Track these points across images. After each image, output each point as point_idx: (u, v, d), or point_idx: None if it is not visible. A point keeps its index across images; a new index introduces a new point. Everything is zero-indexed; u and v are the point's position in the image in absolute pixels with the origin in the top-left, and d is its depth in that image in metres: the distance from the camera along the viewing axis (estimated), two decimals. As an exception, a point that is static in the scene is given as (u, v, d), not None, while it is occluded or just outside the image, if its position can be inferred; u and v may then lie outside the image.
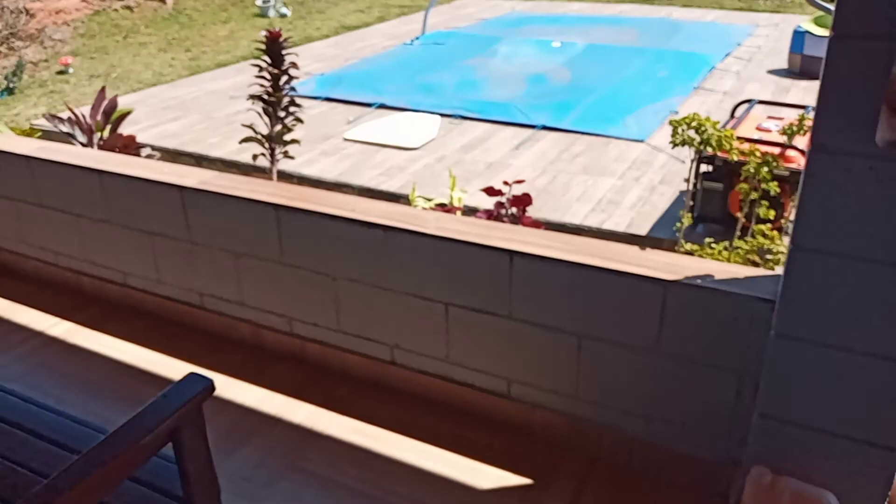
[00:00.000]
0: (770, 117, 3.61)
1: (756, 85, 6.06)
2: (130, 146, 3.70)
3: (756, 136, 3.35)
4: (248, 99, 3.50)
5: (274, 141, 3.40)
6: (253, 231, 1.67)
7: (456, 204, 2.83)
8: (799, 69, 6.30)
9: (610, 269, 1.29)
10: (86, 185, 1.91)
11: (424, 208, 2.51)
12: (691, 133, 2.33)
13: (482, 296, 1.44)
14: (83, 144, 3.69)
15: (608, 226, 3.59)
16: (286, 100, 3.38)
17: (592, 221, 3.63)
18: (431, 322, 1.51)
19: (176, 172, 1.85)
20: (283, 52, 3.33)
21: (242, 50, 8.05)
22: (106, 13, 8.63)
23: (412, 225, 1.49)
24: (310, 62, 7.18)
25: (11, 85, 6.95)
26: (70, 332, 1.89)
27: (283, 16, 9.64)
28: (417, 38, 7.83)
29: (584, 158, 4.51)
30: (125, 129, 4.50)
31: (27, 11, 8.38)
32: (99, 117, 3.68)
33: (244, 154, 4.03)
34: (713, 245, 2.51)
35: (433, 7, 8.11)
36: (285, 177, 4.35)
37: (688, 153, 4.43)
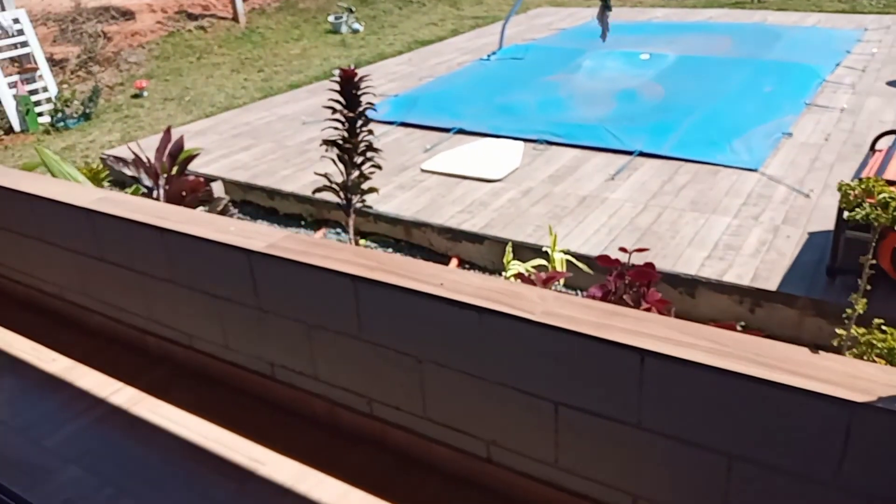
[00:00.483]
0: (925, 150, 3.06)
1: (877, 100, 5.42)
2: (198, 189, 3.45)
3: (913, 175, 2.82)
4: (321, 145, 3.19)
5: (350, 191, 3.07)
6: (327, 302, 1.39)
7: (559, 268, 2.42)
8: (926, 80, 5.61)
9: (772, 381, 0.92)
10: (147, 242, 1.71)
11: (524, 274, 2.12)
12: (866, 204, 1.87)
13: (603, 398, 1.09)
14: (148, 189, 3.46)
15: (729, 277, 3.11)
16: (364, 144, 3.04)
17: (711, 272, 3.16)
18: (537, 420, 1.17)
19: (243, 232, 1.57)
20: (359, 91, 2.98)
21: (315, 69, 7.85)
22: (180, 34, 8.60)
23: (513, 308, 1.14)
24: (383, 82, 6.91)
25: (88, 110, 6.92)
26: (133, 401, 1.64)
27: (355, 31, 9.43)
28: (494, 53, 7.45)
29: (690, 191, 4.02)
30: (195, 162, 4.29)
31: (104, 34, 8.43)
32: (165, 159, 3.44)
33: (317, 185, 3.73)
34: (885, 328, 2.02)
35: (511, 18, 7.71)
36: (362, 214, 4.04)
37: (813, 186, 3.89)
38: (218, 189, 4.75)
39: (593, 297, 2.10)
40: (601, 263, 2.15)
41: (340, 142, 3.04)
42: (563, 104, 5.78)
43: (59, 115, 6.84)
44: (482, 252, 3.76)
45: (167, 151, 3.47)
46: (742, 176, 4.18)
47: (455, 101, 5.90)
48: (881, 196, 1.76)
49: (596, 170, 4.44)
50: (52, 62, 8.13)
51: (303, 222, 4.41)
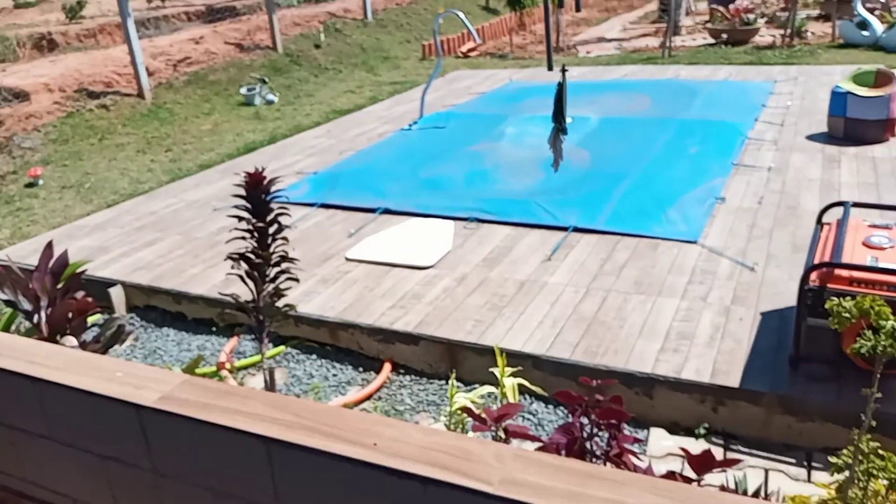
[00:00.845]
0: (873, 226, 2.93)
1: (800, 156, 5.44)
2: (87, 310, 2.99)
3: (868, 257, 2.67)
4: (225, 259, 2.80)
5: (263, 312, 2.69)
6: (237, 466, 1.08)
7: (511, 397, 2.10)
8: (843, 134, 5.69)
9: None
10: (17, 392, 1.36)
11: (472, 410, 1.79)
12: (868, 333, 1.64)
13: None
14: (27, 313, 2.99)
15: (688, 373, 2.86)
16: (277, 256, 2.68)
17: (667, 367, 2.91)
18: None
19: (132, 379, 1.23)
20: (269, 195, 2.63)
21: (227, 146, 7.46)
22: (80, 114, 8.06)
23: (464, 476, 0.85)
24: (301, 157, 6.58)
25: (-27, 205, 6.29)
26: None
27: (269, 103, 9.10)
28: (415, 122, 7.25)
29: (632, 269, 3.81)
30: (93, 264, 3.83)
31: (-4, 119, 7.81)
32: (46, 278, 2.98)
33: (232, 286, 3.31)
34: (882, 452, 1.77)
35: (430, 85, 7.56)
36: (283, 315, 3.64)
37: (756, 257, 3.74)
38: (117, 295, 4.27)
39: (558, 447, 1.79)
40: (561, 400, 1.84)
41: (250, 255, 2.66)
42: (491, 176, 5.57)
43: (-59, 210, 6.19)
44: (418, 354, 3.41)
45: (48, 269, 3.01)
46: (682, 249, 4.01)
47: (378, 177, 5.61)
48: (889, 324, 1.52)
49: (531, 249, 4.19)
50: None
51: (214, 328, 3.97)
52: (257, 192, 2.57)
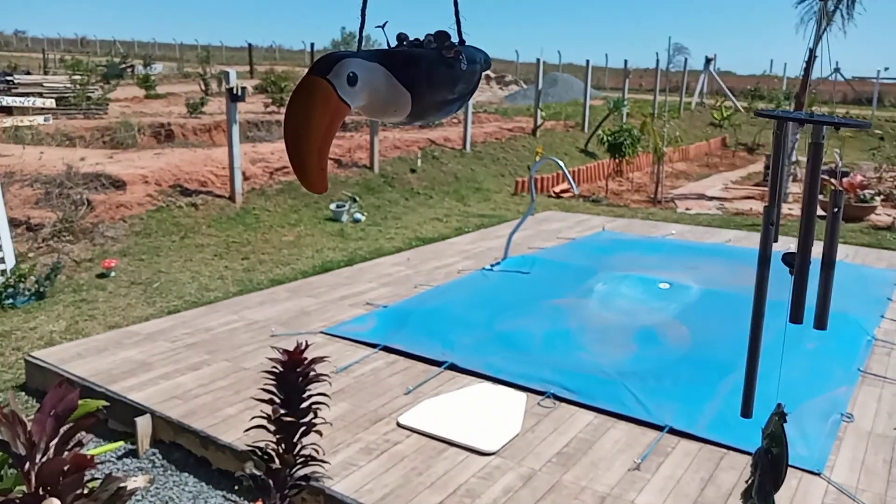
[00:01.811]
0: None
1: (943, 372, 4.63)
2: (85, 469, 2.54)
3: None
4: (236, 474, 2.31)
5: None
6: None
7: None
8: None
9: None
10: None
11: None
12: None
13: None
14: (18, 460, 2.56)
15: None
16: (301, 458, 2.17)
17: None
18: None
19: None
20: (307, 382, 2.15)
21: (304, 261, 7.23)
22: (168, 210, 8.10)
23: None
24: (375, 285, 6.22)
25: (42, 289, 6.19)
26: None
27: (356, 221, 8.97)
28: (498, 263, 6.84)
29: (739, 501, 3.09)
30: (130, 381, 3.43)
31: (89, 203, 7.93)
32: (48, 420, 2.57)
33: (263, 438, 2.81)
34: None
35: (519, 228, 7.19)
36: (313, 492, 3.10)
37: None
38: (144, 426, 3.84)
39: None
40: None
41: (266, 456, 2.16)
42: (574, 340, 5.00)
43: (10, 290, 6.10)
44: (462, 574, 2.77)
45: (52, 411, 2.60)
46: (803, 481, 3.27)
47: (450, 322, 5.14)
48: None
49: (617, 449, 3.54)
50: (28, 227, 7.56)
51: (237, 487, 3.45)
52: (293, 376, 2.10)
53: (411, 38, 1.59)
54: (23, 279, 6.18)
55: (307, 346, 2.20)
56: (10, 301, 6.04)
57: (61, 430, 2.60)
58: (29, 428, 2.56)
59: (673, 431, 3.68)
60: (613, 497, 3.13)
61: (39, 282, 6.23)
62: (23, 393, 4.49)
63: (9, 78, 15.86)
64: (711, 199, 13.12)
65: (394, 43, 1.63)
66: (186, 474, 3.64)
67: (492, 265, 6.82)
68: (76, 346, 4.78)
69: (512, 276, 6.49)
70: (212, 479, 3.59)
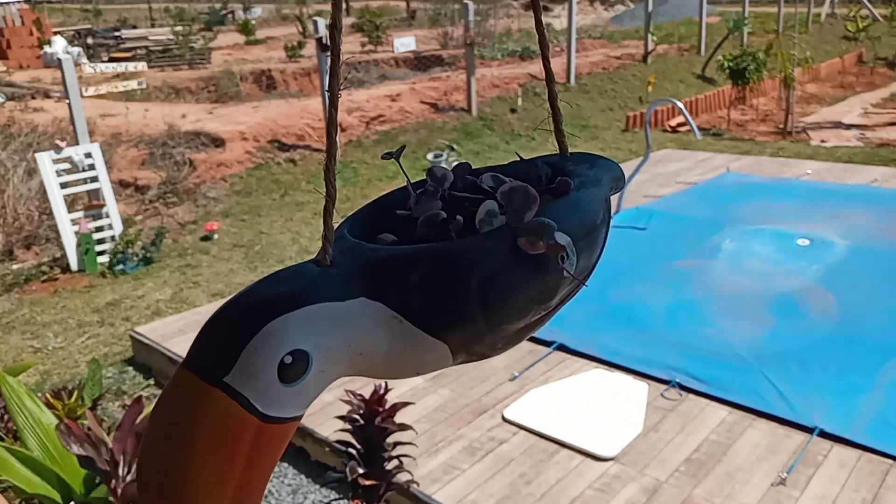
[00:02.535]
0: None
1: None
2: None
3: None
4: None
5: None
6: None
7: None
8: None
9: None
10: None
11: None
12: None
13: None
14: (105, 475, 2.43)
15: None
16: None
17: None
18: None
19: None
20: (387, 434, 1.82)
21: (402, 218, 6.95)
22: (267, 167, 8.00)
23: None
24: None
25: (149, 254, 6.25)
26: None
27: (455, 170, 8.57)
28: (611, 218, 6.27)
29: (915, 535, 2.59)
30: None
31: (191, 162, 7.95)
32: (128, 438, 2.41)
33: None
34: None
35: (632, 180, 6.57)
36: (413, 499, 2.86)
37: None
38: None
39: None
40: None
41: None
42: (701, 312, 4.47)
43: (119, 256, 6.20)
44: None
45: (132, 428, 2.44)
46: None
47: (559, 292, 4.72)
48: None
49: (756, 456, 3.07)
50: (136, 188, 7.68)
51: (336, 482, 3.27)
52: (371, 429, 1.77)
53: (455, 180, 0.64)
54: (130, 244, 6.25)
55: (387, 390, 1.86)
56: (121, 267, 6.14)
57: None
58: (110, 446, 2.42)
59: (824, 434, 3.15)
60: (756, 521, 2.69)
61: (146, 247, 6.29)
62: (130, 368, 4.50)
63: (117, 33, 16.28)
64: (850, 127, 11.74)
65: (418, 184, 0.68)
66: (286, 465, 3.49)
67: (603, 219, 6.26)
68: (179, 321, 4.73)
69: (626, 234, 5.94)
70: (311, 471, 3.43)
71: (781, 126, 11.39)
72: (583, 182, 0.61)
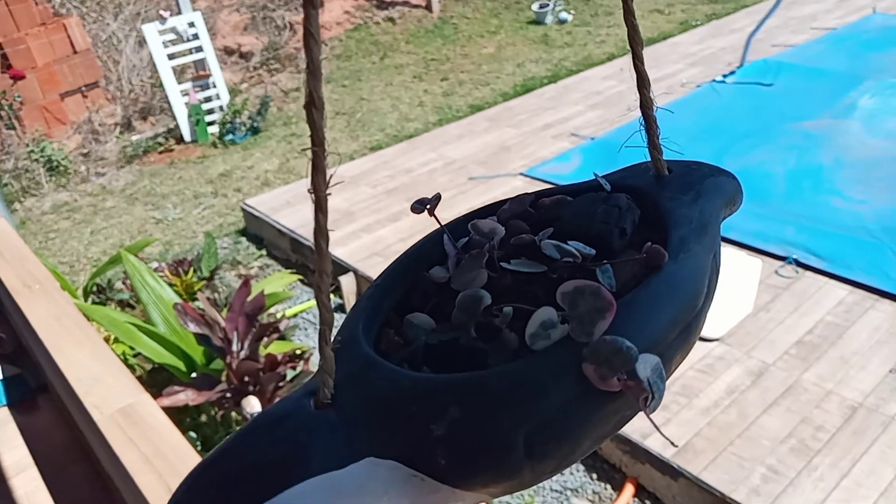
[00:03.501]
0: None
1: None
2: (279, 366, 2.53)
3: None
4: None
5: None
6: None
7: None
8: None
9: None
10: None
11: None
12: None
13: None
14: (220, 352, 2.61)
15: None
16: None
17: None
18: None
19: None
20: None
21: (505, 80, 6.67)
22: (366, 27, 7.79)
23: None
24: (582, 108, 5.59)
25: (256, 124, 6.38)
26: None
27: (562, 22, 8.04)
28: (732, 73, 5.75)
29: None
30: (337, 234, 3.50)
31: (291, 26, 7.86)
32: (239, 320, 2.55)
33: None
34: None
35: (763, 25, 5.92)
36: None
37: None
38: (348, 285, 3.86)
39: None
40: None
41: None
42: (828, 180, 4.10)
43: (228, 126, 6.37)
44: (674, 492, 2.48)
45: (242, 309, 2.57)
46: None
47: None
48: None
49: (876, 340, 2.88)
50: (240, 55, 7.74)
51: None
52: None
53: (508, 234, 0.47)
54: (238, 114, 6.39)
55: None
56: (230, 137, 6.32)
57: (253, 329, 2.58)
58: (223, 325, 2.56)
59: (960, 319, 2.91)
60: (868, 409, 2.57)
61: (252, 117, 6.41)
62: (244, 239, 4.73)
63: None
64: None
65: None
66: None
67: (724, 75, 5.76)
68: (286, 193, 4.87)
69: (750, 90, 5.44)
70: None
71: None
72: (683, 238, 0.43)
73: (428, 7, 8.06)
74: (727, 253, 3.52)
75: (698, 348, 2.96)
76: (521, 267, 0.42)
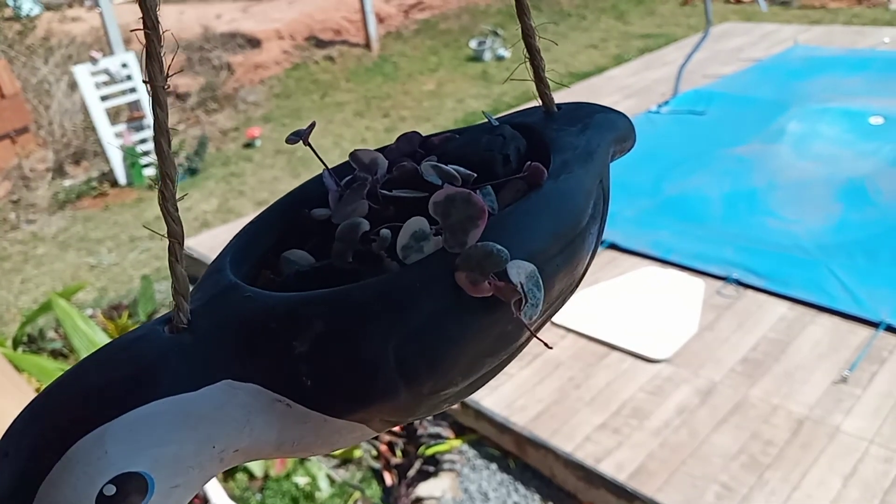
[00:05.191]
0: None
1: None
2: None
3: None
4: None
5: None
6: None
7: None
8: None
9: None
10: None
11: None
12: None
13: None
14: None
15: None
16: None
17: None
18: None
19: None
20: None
21: (445, 115, 6.72)
22: (305, 66, 7.78)
23: None
24: (522, 142, 5.62)
25: (193, 165, 6.25)
26: None
27: (500, 59, 8.19)
28: (667, 104, 5.92)
29: None
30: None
31: (229, 66, 7.80)
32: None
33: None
34: None
35: (691, 59, 6.14)
36: (461, 403, 2.86)
37: None
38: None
39: None
40: None
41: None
42: (761, 202, 4.22)
43: (166, 168, 6.21)
44: (630, 516, 2.45)
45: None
46: None
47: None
48: None
49: (817, 353, 2.93)
50: (176, 96, 7.62)
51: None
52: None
53: (392, 164, 0.46)
54: (175, 155, 6.24)
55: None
56: (168, 178, 6.16)
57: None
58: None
59: (891, 329, 2.98)
60: (814, 421, 2.60)
61: (190, 157, 6.28)
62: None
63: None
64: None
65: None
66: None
67: (659, 105, 5.92)
68: (226, 233, 4.75)
69: (683, 119, 5.60)
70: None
71: (857, -12, 10.40)
72: (566, 161, 0.43)
73: (367, 46, 8.11)
74: (670, 275, 3.57)
75: (647, 370, 2.96)
76: (401, 193, 0.41)
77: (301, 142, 0.48)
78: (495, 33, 8.36)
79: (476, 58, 8.19)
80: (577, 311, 3.36)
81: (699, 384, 2.85)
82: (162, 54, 0.32)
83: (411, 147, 0.48)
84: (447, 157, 0.44)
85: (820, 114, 5.25)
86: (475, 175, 0.41)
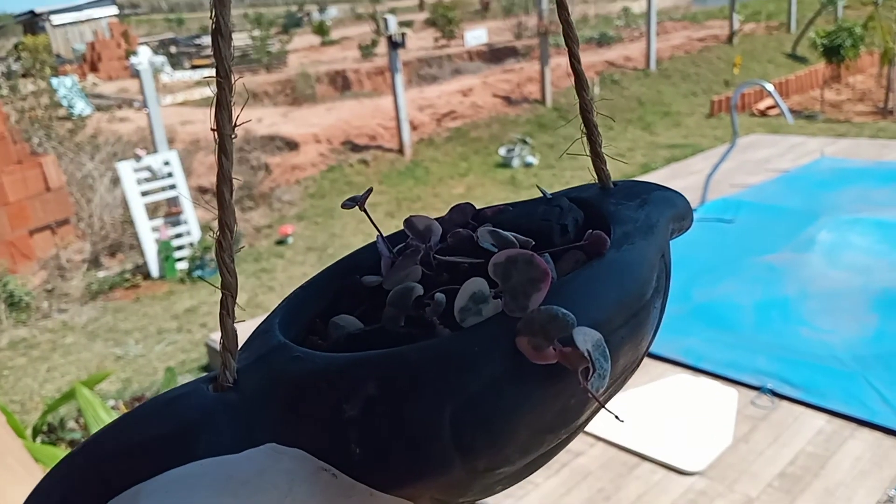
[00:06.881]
0: None
1: None
2: None
3: None
4: None
5: None
6: None
7: None
8: None
9: None
10: None
11: None
12: None
13: None
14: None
15: None
16: None
17: None
18: None
19: None
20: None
21: (474, 216, 6.82)
22: (340, 168, 8.04)
23: None
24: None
25: (226, 259, 6.36)
26: None
27: (528, 165, 8.39)
28: (695, 211, 5.93)
29: None
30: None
31: (266, 167, 8.08)
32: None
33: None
34: None
35: (718, 168, 6.22)
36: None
37: None
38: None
39: None
40: None
41: None
42: (794, 311, 4.14)
43: (197, 262, 6.35)
44: None
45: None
46: None
47: (638, 291, 4.48)
48: None
49: (859, 469, 2.78)
50: (213, 194, 7.86)
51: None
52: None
53: (446, 233, 0.44)
54: (208, 250, 6.38)
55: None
56: (199, 273, 6.28)
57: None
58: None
59: (941, 448, 2.83)
60: (863, 547, 2.43)
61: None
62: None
63: (198, 41, 16.83)
64: (959, 102, 10.81)
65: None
66: None
67: (685, 212, 5.94)
68: (253, 326, 4.77)
69: (712, 227, 5.61)
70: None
71: (881, 105, 10.62)
72: (627, 233, 0.41)
73: (400, 151, 8.39)
74: (702, 384, 3.47)
75: (679, 483, 2.83)
76: (456, 259, 0.39)
77: (357, 207, 0.49)
78: (524, 141, 8.60)
79: (505, 164, 8.40)
80: (607, 418, 3.25)
81: (735, 499, 2.71)
82: (232, 103, 0.33)
83: (464, 218, 0.47)
84: (502, 228, 0.42)
85: (851, 224, 5.23)
86: (533, 242, 0.39)
